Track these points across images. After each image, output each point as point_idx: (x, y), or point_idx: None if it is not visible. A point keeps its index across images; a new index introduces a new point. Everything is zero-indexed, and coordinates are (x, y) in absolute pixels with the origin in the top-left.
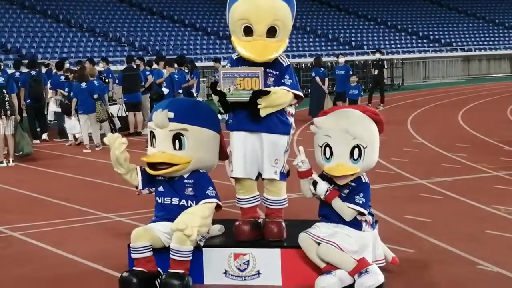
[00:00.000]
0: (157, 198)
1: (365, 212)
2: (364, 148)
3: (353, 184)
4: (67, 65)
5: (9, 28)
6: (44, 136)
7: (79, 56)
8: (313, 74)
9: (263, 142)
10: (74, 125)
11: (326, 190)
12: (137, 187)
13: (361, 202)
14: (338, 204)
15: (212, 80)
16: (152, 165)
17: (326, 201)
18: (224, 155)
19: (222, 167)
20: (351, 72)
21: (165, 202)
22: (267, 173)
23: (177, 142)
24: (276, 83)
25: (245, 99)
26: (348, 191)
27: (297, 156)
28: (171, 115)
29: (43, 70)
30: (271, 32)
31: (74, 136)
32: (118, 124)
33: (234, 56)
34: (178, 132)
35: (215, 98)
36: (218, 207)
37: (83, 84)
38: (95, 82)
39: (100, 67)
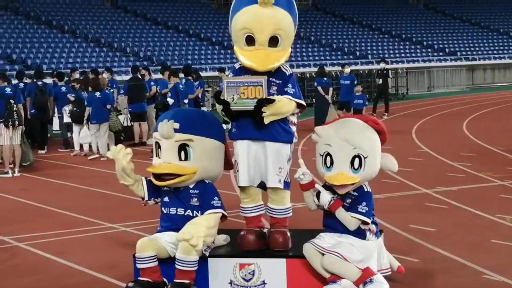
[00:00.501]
0: (163, 208)
1: (369, 221)
2: (364, 157)
3: (355, 193)
4: (76, 75)
5: (14, 39)
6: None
7: (84, 66)
8: (315, 84)
9: (266, 150)
10: (87, 135)
11: (330, 200)
12: (143, 198)
13: (364, 211)
14: (341, 214)
15: (216, 90)
16: (158, 176)
17: (330, 211)
18: (229, 164)
19: (227, 176)
20: (355, 82)
21: (170, 212)
22: (271, 182)
23: (182, 152)
24: (279, 92)
25: (249, 108)
26: (350, 200)
27: (299, 169)
28: (177, 125)
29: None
30: (273, 41)
31: (81, 146)
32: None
33: (236, 65)
34: (184, 142)
35: (219, 108)
36: (223, 217)
37: (97, 94)
38: (108, 92)
39: (104, 77)
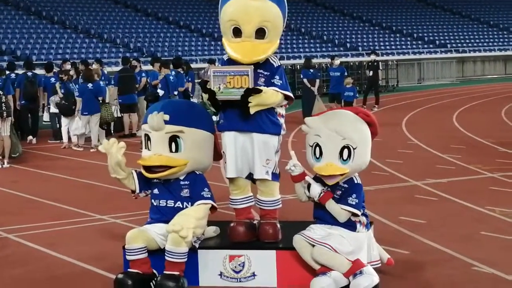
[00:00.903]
0: (152, 200)
1: (359, 213)
2: (354, 148)
3: (345, 185)
4: (68, 66)
5: (3, 29)
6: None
7: (74, 57)
8: (301, 76)
9: (253, 142)
10: (80, 126)
11: (320, 192)
12: (134, 191)
13: (354, 203)
14: (332, 206)
15: (202, 79)
16: (148, 168)
17: (320, 203)
18: (218, 155)
19: (217, 168)
20: (346, 74)
21: (160, 204)
22: (258, 173)
23: (173, 144)
24: (266, 84)
25: (235, 97)
26: (340, 192)
27: (290, 160)
28: (167, 117)
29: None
30: (260, 33)
31: (69, 138)
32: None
33: (225, 57)
34: (174, 134)
35: (205, 97)
36: (213, 208)
37: (90, 85)
38: (101, 83)
39: (93, 68)
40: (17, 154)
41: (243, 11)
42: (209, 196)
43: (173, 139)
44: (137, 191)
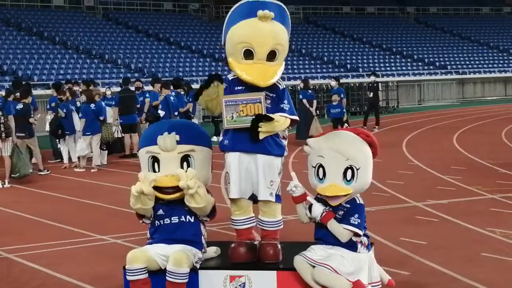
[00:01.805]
0: (156, 221)
1: (361, 233)
2: (357, 169)
3: (347, 205)
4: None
5: (5, 50)
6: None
7: (75, 77)
8: (301, 96)
9: (258, 163)
10: (83, 147)
11: (322, 212)
12: (141, 217)
13: (356, 223)
14: (333, 226)
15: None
16: (160, 189)
17: (322, 223)
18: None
19: (218, 188)
20: (342, 95)
21: (164, 223)
22: (263, 195)
23: (185, 163)
24: (272, 106)
25: (248, 125)
26: (343, 212)
27: (291, 181)
28: (177, 137)
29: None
30: (271, 55)
31: (69, 158)
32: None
33: (230, 76)
34: (187, 153)
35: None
36: (213, 211)
37: (92, 106)
38: (103, 103)
39: (82, 88)
40: (17, 174)
41: (256, 34)
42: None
43: (185, 158)
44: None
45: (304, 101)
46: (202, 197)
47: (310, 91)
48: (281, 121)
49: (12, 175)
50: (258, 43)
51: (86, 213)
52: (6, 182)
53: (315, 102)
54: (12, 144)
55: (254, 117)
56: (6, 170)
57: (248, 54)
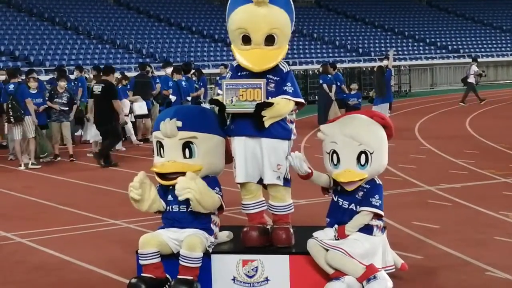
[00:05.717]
0: (167, 207)
1: (383, 213)
2: (371, 153)
3: (367, 186)
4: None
5: (17, 36)
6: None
7: (86, 63)
8: (321, 81)
9: (262, 146)
10: (97, 133)
11: (334, 234)
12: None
13: (378, 204)
14: (352, 225)
15: (212, 97)
16: (162, 175)
17: (340, 238)
18: (229, 158)
19: (229, 173)
20: (360, 100)
21: (173, 209)
22: (268, 178)
23: (187, 150)
24: (276, 89)
25: (247, 110)
26: (362, 193)
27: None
28: (179, 123)
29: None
30: (269, 40)
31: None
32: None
33: (234, 63)
34: (188, 140)
35: (216, 109)
36: (220, 209)
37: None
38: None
39: (74, 75)
40: (45, 155)
41: (251, 19)
42: (219, 194)
43: (187, 145)
44: (165, 207)
45: (324, 85)
46: (198, 204)
47: (329, 75)
48: (282, 103)
49: (41, 156)
50: (253, 29)
51: (98, 198)
52: (30, 163)
53: (334, 86)
54: (34, 125)
55: (253, 102)
56: (31, 152)
57: (247, 40)
